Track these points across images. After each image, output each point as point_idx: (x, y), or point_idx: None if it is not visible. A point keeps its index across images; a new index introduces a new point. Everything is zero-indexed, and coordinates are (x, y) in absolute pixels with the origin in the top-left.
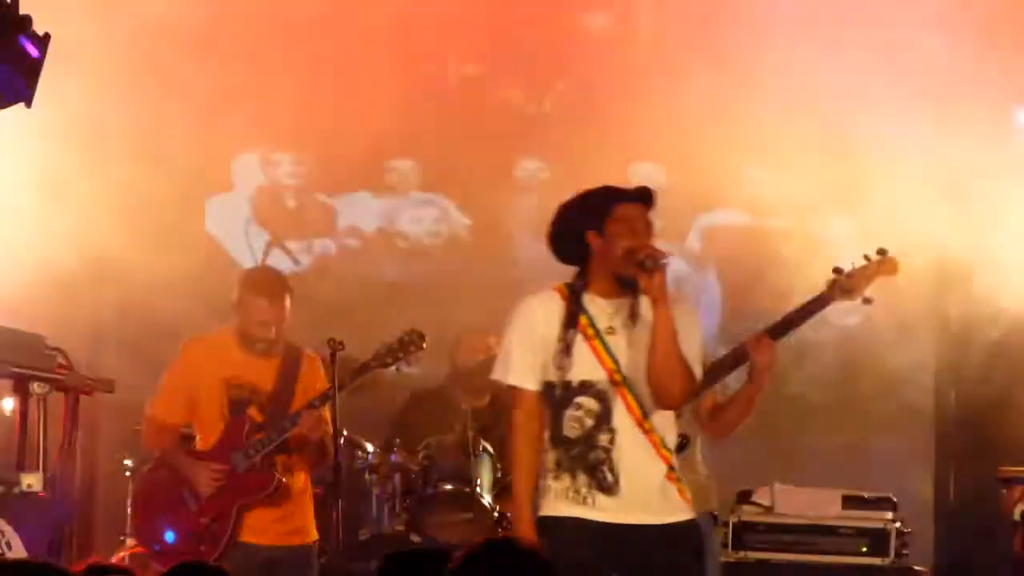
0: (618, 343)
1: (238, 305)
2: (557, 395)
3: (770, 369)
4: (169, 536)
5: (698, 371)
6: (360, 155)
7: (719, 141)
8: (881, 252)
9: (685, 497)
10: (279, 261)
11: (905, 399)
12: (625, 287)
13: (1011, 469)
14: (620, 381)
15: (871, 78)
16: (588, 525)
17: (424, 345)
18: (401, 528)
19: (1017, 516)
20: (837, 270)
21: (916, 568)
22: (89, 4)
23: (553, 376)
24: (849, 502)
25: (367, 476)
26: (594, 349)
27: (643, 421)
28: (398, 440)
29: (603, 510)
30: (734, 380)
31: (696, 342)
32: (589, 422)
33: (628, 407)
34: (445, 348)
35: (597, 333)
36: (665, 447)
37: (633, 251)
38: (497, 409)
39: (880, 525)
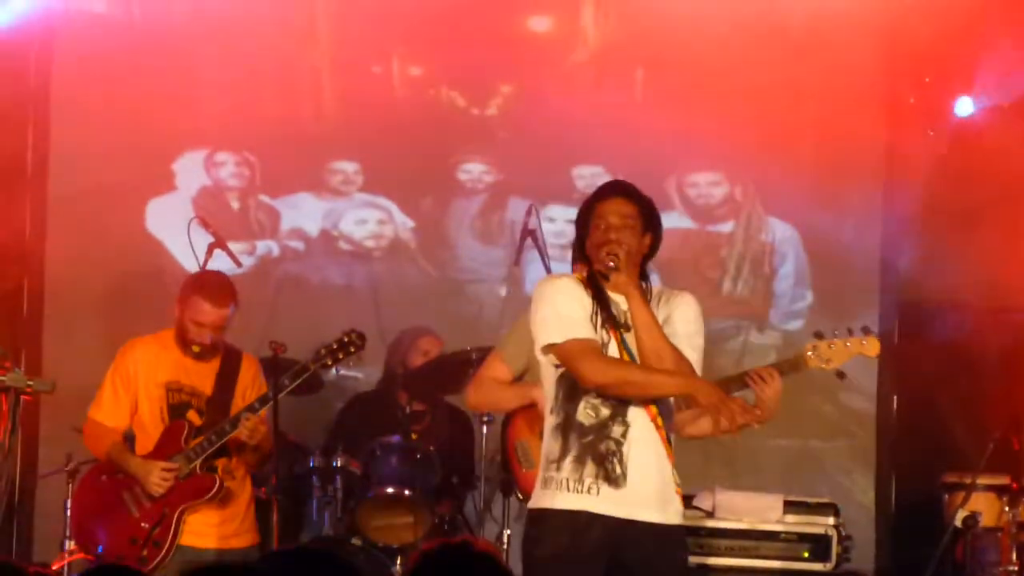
0: (632, 339)
1: (182, 302)
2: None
3: (774, 403)
4: (109, 541)
5: (693, 357)
6: (304, 157)
7: (662, 145)
8: (865, 331)
9: (681, 500)
10: (221, 263)
11: (848, 404)
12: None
13: (953, 475)
14: None
15: (810, 77)
16: (586, 517)
17: (364, 345)
18: (342, 531)
19: (958, 522)
20: (818, 335)
21: (858, 573)
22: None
23: None
24: (791, 507)
25: (308, 479)
26: (616, 340)
27: (656, 417)
28: (340, 443)
29: (605, 502)
30: None
31: (691, 330)
32: (605, 412)
33: (645, 403)
34: (389, 351)
35: (618, 326)
36: (671, 447)
37: (596, 249)
38: (439, 412)
39: (822, 530)
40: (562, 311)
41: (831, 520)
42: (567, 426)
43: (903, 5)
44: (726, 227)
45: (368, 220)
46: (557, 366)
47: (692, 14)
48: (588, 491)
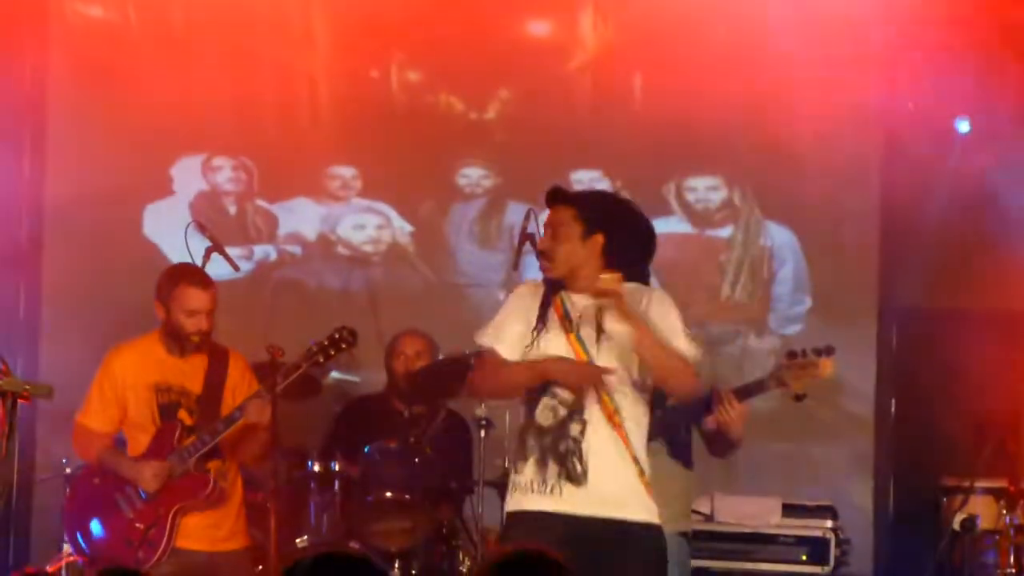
0: (590, 337)
1: (166, 300)
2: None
3: (738, 426)
4: (104, 543)
5: (684, 345)
6: (302, 161)
7: (660, 149)
8: (827, 352)
9: (651, 497)
10: (219, 267)
11: (845, 407)
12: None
13: (952, 479)
14: None
15: (809, 82)
16: (551, 517)
17: (355, 342)
18: (340, 536)
19: (957, 526)
20: (791, 354)
21: None
22: (27, 5)
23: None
24: (789, 510)
25: (306, 483)
26: (570, 341)
27: (614, 415)
28: (338, 447)
29: (569, 501)
30: None
31: (671, 322)
32: (562, 411)
33: (600, 400)
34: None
35: (572, 326)
36: (634, 444)
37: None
38: (438, 416)
39: (820, 533)
40: (501, 319)
41: (829, 523)
42: (526, 428)
43: (905, 12)
44: (725, 232)
45: (366, 225)
46: None
47: (690, 19)
48: (551, 491)
